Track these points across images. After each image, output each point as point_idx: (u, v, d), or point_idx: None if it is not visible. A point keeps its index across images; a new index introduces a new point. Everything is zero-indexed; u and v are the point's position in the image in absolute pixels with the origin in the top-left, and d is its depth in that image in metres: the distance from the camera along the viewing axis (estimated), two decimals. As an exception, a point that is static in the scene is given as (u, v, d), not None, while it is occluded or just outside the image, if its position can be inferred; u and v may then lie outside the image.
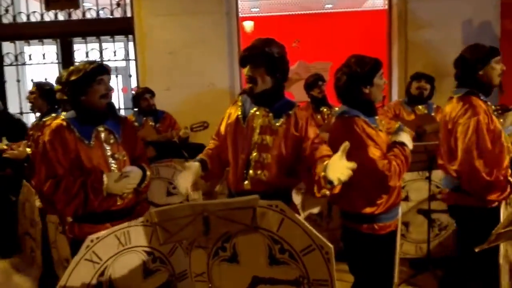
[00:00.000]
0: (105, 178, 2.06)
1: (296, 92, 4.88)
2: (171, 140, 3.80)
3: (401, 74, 4.54)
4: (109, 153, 2.14)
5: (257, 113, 2.12)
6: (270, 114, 2.10)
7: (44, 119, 3.33)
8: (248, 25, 4.73)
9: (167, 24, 4.52)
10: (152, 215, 1.75)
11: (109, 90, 2.13)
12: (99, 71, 2.09)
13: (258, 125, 2.09)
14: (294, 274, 1.96)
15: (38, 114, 3.55)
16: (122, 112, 4.69)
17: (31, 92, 3.39)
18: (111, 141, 2.16)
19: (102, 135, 2.15)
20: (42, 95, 3.37)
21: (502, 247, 2.10)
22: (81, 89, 2.07)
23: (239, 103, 2.21)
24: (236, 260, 2.00)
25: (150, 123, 4.02)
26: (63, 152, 2.08)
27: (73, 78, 2.06)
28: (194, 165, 2.16)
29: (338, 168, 1.73)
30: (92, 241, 1.87)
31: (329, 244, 1.91)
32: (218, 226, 1.87)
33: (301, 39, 4.81)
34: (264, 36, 2.18)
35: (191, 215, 1.77)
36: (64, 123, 2.12)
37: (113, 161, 2.14)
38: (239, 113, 2.16)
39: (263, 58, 2.03)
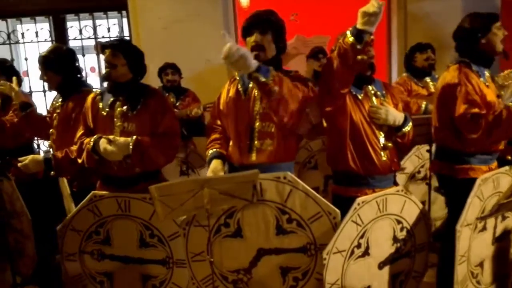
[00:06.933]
0: (92, 140, 2.18)
1: (294, 67, 4.80)
2: (184, 118, 3.72)
3: (400, 46, 4.47)
4: (117, 123, 2.24)
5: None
6: None
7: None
8: (244, 0, 4.63)
9: (161, -2, 4.42)
10: (152, 190, 1.75)
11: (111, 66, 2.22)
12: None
13: (259, 96, 2.10)
14: (301, 241, 2.01)
15: None
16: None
17: None
18: (121, 111, 2.24)
19: (116, 105, 2.26)
20: (3, 73, 3.16)
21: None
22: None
23: (237, 77, 2.21)
24: (240, 234, 2.03)
25: (172, 99, 3.96)
26: (88, 117, 2.31)
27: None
28: (218, 167, 2.15)
29: None
30: (95, 196, 2.20)
31: (336, 210, 1.96)
32: (218, 202, 1.87)
33: (299, 13, 4.71)
34: (261, 10, 2.16)
35: (192, 190, 1.77)
36: (96, 94, 2.35)
37: (118, 131, 2.22)
38: (239, 86, 2.17)
39: (271, 24, 2.08)
